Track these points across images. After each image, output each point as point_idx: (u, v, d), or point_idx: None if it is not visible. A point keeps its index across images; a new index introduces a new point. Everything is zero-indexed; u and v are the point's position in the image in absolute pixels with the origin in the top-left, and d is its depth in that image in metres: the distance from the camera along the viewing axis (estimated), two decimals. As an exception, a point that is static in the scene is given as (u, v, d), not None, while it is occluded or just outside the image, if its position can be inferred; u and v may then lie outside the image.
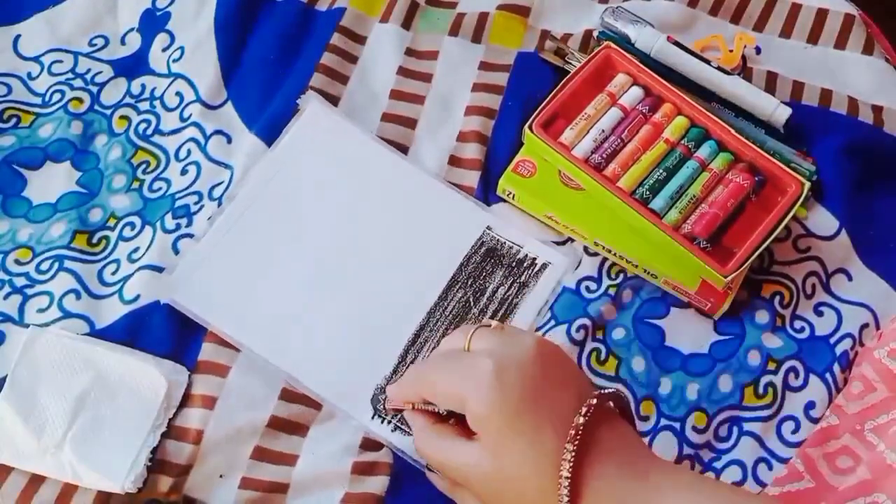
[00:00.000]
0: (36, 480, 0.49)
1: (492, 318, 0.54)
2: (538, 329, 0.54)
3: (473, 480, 0.41)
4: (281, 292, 0.54)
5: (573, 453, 0.38)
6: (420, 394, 0.45)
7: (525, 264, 0.56)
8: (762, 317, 0.55)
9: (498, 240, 0.56)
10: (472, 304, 0.55)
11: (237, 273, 0.54)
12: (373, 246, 0.56)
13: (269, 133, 0.59)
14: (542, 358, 0.41)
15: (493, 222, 0.57)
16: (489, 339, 0.43)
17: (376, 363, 0.53)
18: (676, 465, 0.41)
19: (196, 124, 0.60)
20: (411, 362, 0.53)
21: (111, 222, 0.57)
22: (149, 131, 0.60)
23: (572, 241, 0.57)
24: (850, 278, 0.57)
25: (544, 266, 0.56)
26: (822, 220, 0.58)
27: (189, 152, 0.59)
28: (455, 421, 0.44)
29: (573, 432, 0.38)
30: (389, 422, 0.51)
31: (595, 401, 0.39)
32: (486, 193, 0.58)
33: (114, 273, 0.55)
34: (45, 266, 0.54)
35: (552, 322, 0.54)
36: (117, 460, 0.49)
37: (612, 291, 0.55)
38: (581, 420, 0.38)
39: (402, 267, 0.56)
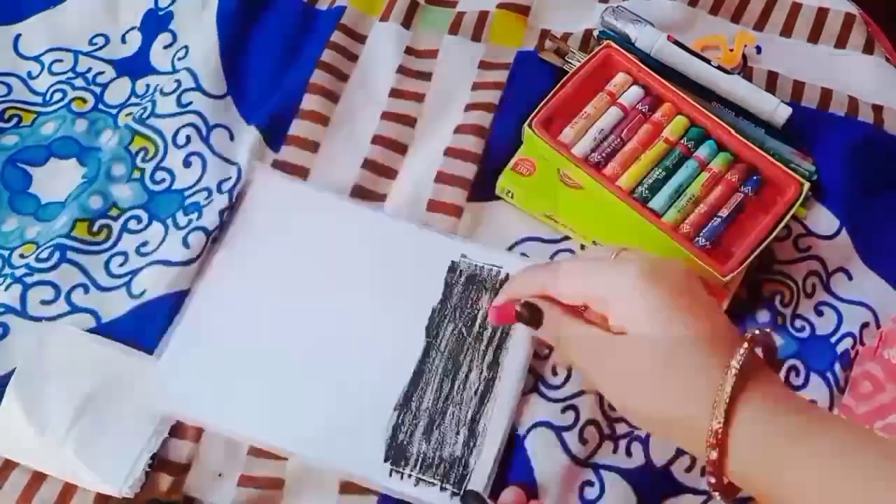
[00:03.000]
0: (37, 479, 0.49)
1: (488, 342, 0.53)
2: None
3: (611, 371, 0.42)
4: (267, 375, 0.52)
5: (735, 376, 0.38)
6: (548, 291, 0.45)
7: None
8: (762, 316, 0.55)
9: (475, 265, 0.55)
10: (465, 333, 0.53)
11: (222, 368, 0.52)
12: (350, 301, 0.54)
13: (270, 127, 0.59)
14: (687, 277, 0.42)
15: (468, 249, 0.56)
16: (636, 254, 0.43)
17: (378, 419, 0.51)
18: (828, 414, 0.41)
19: (197, 112, 0.60)
20: (416, 409, 0.51)
21: (113, 212, 0.57)
22: (145, 115, 0.60)
23: (568, 238, 0.57)
24: (850, 277, 0.57)
25: None
26: (823, 219, 0.58)
27: (188, 139, 0.59)
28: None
29: (742, 349, 0.38)
30: (410, 476, 0.49)
31: (758, 332, 0.40)
32: (482, 189, 0.58)
33: (121, 265, 0.55)
34: (44, 254, 0.54)
35: None
36: (117, 464, 0.49)
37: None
38: (745, 346, 0.39)
39: (384, 316, 0.54)
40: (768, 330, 0.42)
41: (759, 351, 0.41)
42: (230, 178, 0.58)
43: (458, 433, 0.50)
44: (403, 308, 0.54)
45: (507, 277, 0.55)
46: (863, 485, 0.35)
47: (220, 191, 0.57)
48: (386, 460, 0.49)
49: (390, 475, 0.49)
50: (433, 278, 0.55)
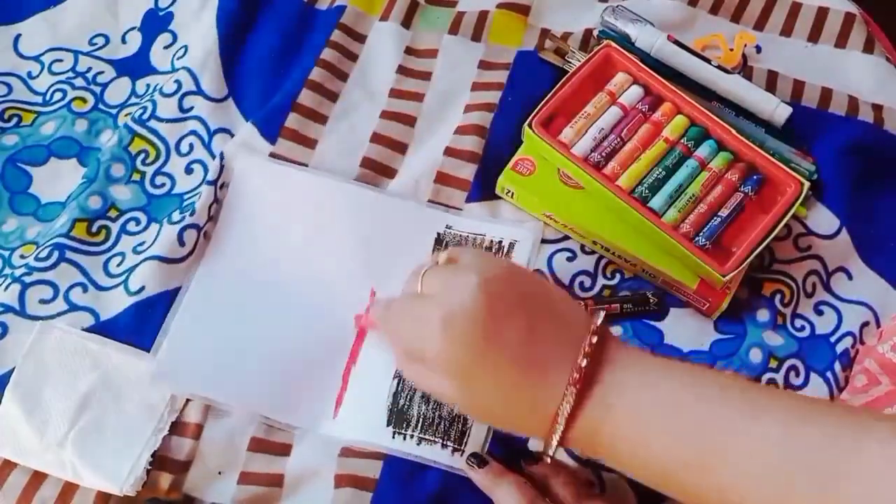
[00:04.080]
0: (37, 479, 0.49)
1: None
2: None
3: (460, 409, 0.45)
4: (268, 353, 0.53)
5: (573, 395, 0.39)
6: (389, 334, 0.46)
7: (493, 250, 0.56)
8: (763, 315, 0.55)
9: (460, 235, 0.57)
10: None
11: (223, 349, 0.53)
12: (340, 276, 0.55)
13: (267, 125, 0.59)
14: (484, 297, 0.41)
15: (452, 220, 0.57)
16: (437, 281, 0.43)
17: (376, 389, 0.52)
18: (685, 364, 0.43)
19: (199, 118, 0.60)
20: None
21: (112, 213, 0.57)
22: (145, 116, 0.60)
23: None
24: (850, 277, 0.57)
25: (511, 246, 0.56)
26: (823, 218, 0.58)
27: (191, 147, 0.59)
28: None
29: (576, 375, 0.39)
30: (412, 436, 0.50)
31: (593, 340, 0.40)
32: (482, 188, 0.58)
33: (119, 265, 0.55)
34: (43, 254, 0.54)
35: None
36: (118, 462, 0.49)
37: (605, 293, 0.55)
38: (583, 363, 0.40)
39: (376, 289, 0.55)
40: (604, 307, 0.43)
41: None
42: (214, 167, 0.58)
43: None
44: (393, 281, 0.54)
45: (490, 244, 0.56)
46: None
47: (206, 182, 0.57)
48: (388, 424, 0.51)
49: (393, 437, 0.50)
50: (421, 250, 0.56)
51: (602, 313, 0.41)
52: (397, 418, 0.51)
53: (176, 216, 0.56)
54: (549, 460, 0.42)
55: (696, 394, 0.39)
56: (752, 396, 0.38)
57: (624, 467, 0.41)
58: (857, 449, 0.34)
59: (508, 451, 0.51)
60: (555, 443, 0.40)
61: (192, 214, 0.55)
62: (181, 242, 0.55)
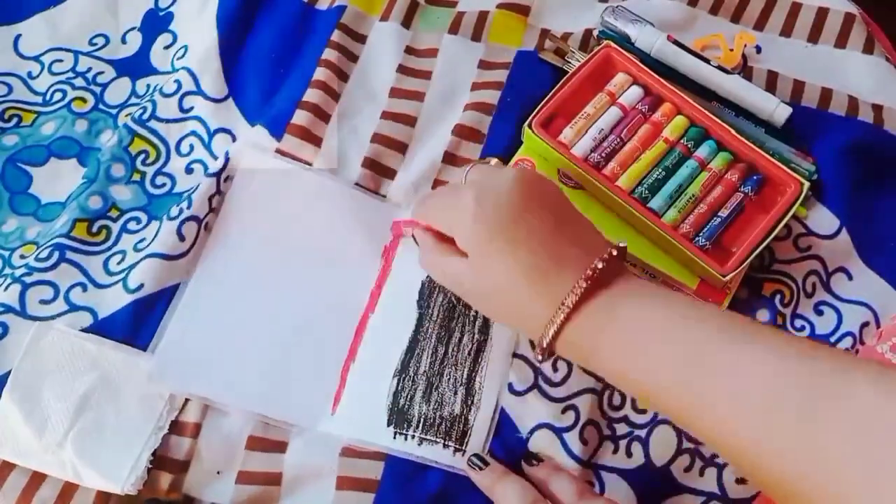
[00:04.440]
0: (37, 479, 0.49)
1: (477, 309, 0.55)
2: None
3: (466, 291, 0.47)
4: (268, 352, 0.53)
5: (582, 288, 0.42)
6: (424, 219, 0.51)
7: None
8: (763, 315, 0.55)
9: None
10: (455, 302, 0.55)
11: (223, 347, 0.53)
12: (340, 277, 0.55)
13: (274, 123, 0.59)
14: (520, 186, 0.45)
15: None
16: (478, 173, 0.48)
17: (376, 387, 0.52)
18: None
19: (199, 119, 0.60)
20: (414, 374, 0.53)
21: (113, 213, 0.57)
22: (145, 116, 0.60)
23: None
24: (850, 277, 0.57)
25: None
26: (823, 219, 0.58)
27: (192, 147, 0.59)
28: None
29: (590, 272, 0.42)
30: (413, 436, 0.51)
31: (612, 252, 0.43)
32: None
33: (119, 263, 0.55)
34: (43, 254, 0.54)
35: None
36: (118, 461, 0.49)
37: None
38: (599, 265, 0.42)
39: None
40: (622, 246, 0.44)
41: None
42: (230, 177, 0.58)
43: (455, 392, 0.52)
44: (394, 282, 0.55)
45: None
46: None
47: (206, 174, 0.57)
48: (389, 425, 0.51)
49: (394, 438, 0.51)
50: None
51: (625, 242, 0.44)
52: (398, 418, 0.51)
53: (174, 211, 0.56)
54: (539, 359, 0.44)
55: (696, 317, 0.40)
56: (748, 327, 0.40)
57: (613, 379, 0.43)
58: (847, 382, 0.35)
59: (509, 452, 0.51)
60: (551, 332, 0.42)
61: (189, 206, 0.55)
62: (181, 237, 0.54)
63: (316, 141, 0.59)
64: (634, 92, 0.58)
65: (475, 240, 0.44)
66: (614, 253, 0.43)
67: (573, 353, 0.44)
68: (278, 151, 0.59)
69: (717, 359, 0.38)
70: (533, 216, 0.44)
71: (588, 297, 0.42)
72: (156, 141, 0.59)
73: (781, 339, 0.38)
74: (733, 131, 0.56)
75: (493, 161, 0.49)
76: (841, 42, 0.66)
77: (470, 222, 0.44)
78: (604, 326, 0.41)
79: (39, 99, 0.62)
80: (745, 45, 0.64)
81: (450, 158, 0.59)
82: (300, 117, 0.59)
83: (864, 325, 0.55)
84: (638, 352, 0.41)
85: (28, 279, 0.53)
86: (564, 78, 0.58)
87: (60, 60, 0.64)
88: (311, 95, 0.60)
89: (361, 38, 0.64)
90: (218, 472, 0.50)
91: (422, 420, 0.51)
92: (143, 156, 0.59)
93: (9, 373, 0.51)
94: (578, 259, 0.43)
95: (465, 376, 0.53)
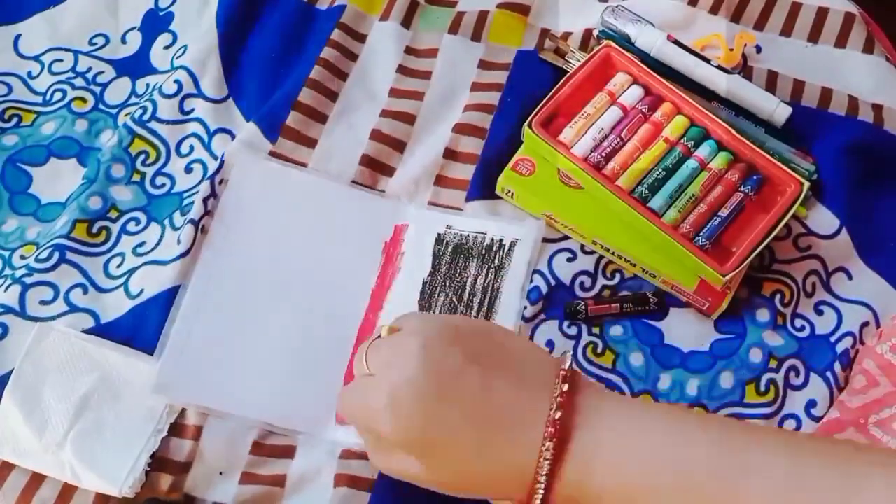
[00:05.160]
0: (36, 479, 0.49)
1: (478, 309, 0.54)
2: (529, 320, 0.54)
3: (430, 487, 0.41)
4: (269, 357, 0.52)
5: (551, 451, 0.37)
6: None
7: (494, 248, 0.56)
8: (763, 315, 0.55)
9: (461, 234, 0.56)
10: (456, 302, 0.54)
11: (225, 355, 0.52)
12: (339, 280, 0.55)
13: (268, 124, 0.59)
14: (427, 360, 0.39)
15: (452, 220, 0.57)
16: (380, 356, 0.41)
17: None
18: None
19: (199, 120, 0.60)
20: None
21: (112, 213, 0.57)
22: (145, 117, 0.60)
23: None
24: (850, 277, 0.57)
25: (513, 244, 0.56)
26: (823, 218, 0.58)
27: (192, 148, 0.59)
28: None
29: (552, 429, 0.37)
30: None
31: (564, 388, 0.38)
32: (482, 188, 0.58)
33: (119, 266, 0.55)
34: (43, 255, 0.54)
35: (543, 315, 0.54)
36: (117, 463, 0.49)
37: (605, 294, 0.55)
38: (556, 416, 0.37)
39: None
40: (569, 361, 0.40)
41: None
42: (226, 179, 0.58)
43: None
44: (395, 282, 0.55)
45: (491, 242, 0.56)
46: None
47: (203, 178, 0.57)
48: None
49: None
50: (422, 251, 0.56)
51: (569, 357, 0.39)
52: None
53: (178, 219, 0.56)
54: None
55: (681, 441, 0.37)
56: (740, 445, 0.36)
57: None
58: (857, 488, 0.33)
59: None
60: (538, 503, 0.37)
61: (188, 210, 0.55)
62: (178, 239, 0.55)
63: (310, 143, 0.59)
64: (634, 92, 0.58)
65: (408, 443, 0.39)
66: (565, 388, 0.38)
67: None
68: (272, 153, 0.58)
69: (713, 492, 0.35)
70: (457, 384, 0.38)
71: (560, 456, 0.37)
72: (156, 141, 0.59)
73: (781, 443, 0.36)
74: (733, 131, 0.56)
75: (384, 331, 0.43)
76: (841, 42, 0.66)
77: (392, 428, 0.38)
78: (587, 480, 0.37)
79: (39, 99, 0.62)
80: (745, 45, 0.64)
81: (451, 154, 0.59)
82: (294, 119, 0.59)
83: (864, 325, 0.55)
84: (629, 498, 0.37)
85: (28, 280, 0.53)
86: (564, 78, 0.58)
87: (60, 60, 0.64)
88: (306, 95, 0.60)
89: (361, 38, 0.64)
90: (221, 473, 0.50)
91: None
92: (143, 156, 0.59)
93: (9, 373, 0.51)
94: (526, 408, 0.38)
95: None
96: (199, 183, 0.58)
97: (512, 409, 0.38)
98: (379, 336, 0.43)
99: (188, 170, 0.59)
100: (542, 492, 0.37)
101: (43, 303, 0.53)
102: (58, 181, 0.59)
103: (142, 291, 0.54)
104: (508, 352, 0.40)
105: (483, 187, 0.58)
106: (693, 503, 0.35)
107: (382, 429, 0.39)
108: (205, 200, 0.56)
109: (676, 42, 0.62)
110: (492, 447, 0.38)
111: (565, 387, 0.38)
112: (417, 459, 0.39)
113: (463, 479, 0.39)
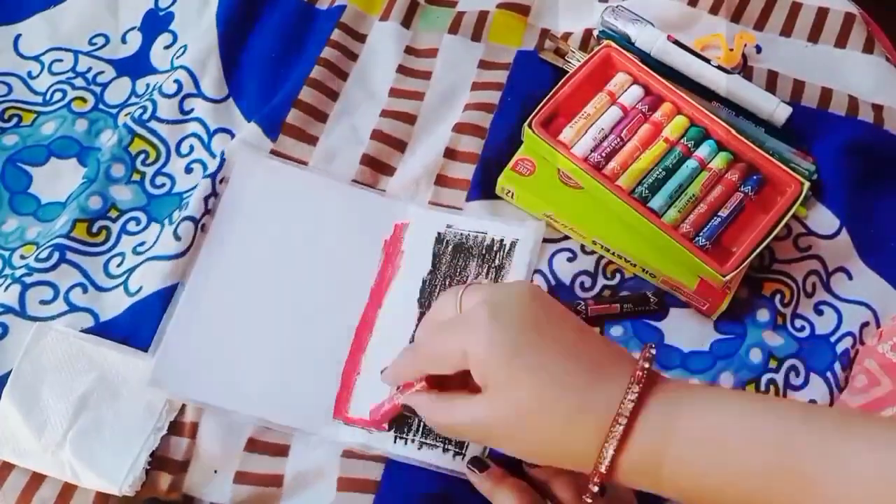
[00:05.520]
0: (36, 479, 0.49)
1: None
2: None
3: (489, 432, 0.40)
4: (267, 355, 0.53)
5: (636, 393, 0.36)
6: (420, 370, 0.44)
7: (494, 248, 0.56)
8: (763, 315, 0.55)
9: (461, 233, 0.56)
10: None
11: (222, 351, 0.52)
12: (339, 278, 0.55)
13: (269, 123, 0.59)
14: (535, 296, 0.40)
15: (452, 220, 0.57)
16: (479, 293, 0.42)
17: (377, 392, 0.51)
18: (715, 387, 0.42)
19: (199, 120, 0.60)
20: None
21: (112, 213, 0.57)
22: (145, 117, 0.60)
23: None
24: (850, 277, 0.57)
25: (513, 244, 0.56)
26: (823, 218, 0.58)
27: (192, 148, 0.59)
28: (456, 389, 0.43)
29: (640, 373, 0.37)
30: (413, 440, 0.50)
31: (651, 352, 0.39)
32: (482, 188, 0.58)
33: (119, 265, 0.55)
34: (43, 255, 0.54)
35: None
36: (117, 462, 0.49)
37: (606, 294, 0.55)
38: (646, 364, 0.38)
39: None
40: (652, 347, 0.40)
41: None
42: (226, 177, 0.58)
43: None
44: (394, 281, 0.55)
45: (492, 242, 0.56)
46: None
47: (202, 176, 0.57)
48: (390, 429, 0.51)
49: (395, 442, 0.50)
50: (422, 250, 0.56)
51: (653, 350, 0.39)
52: (398, 423, 0.51)
53: (176, 216, 0.56)
54: (596, 489, 0.37)
55: (773, 410, 0.36)
56: (836, 416, 0.35)
57: (687, 498, 0.37)
58: None
59: (509, 456, 0.51)
60: (610, 453, 0.36)
61: (186, 208, 0.55)
62: (177, 237, 0.55)
63: (311, 140, 0.59)
64: (634, 92, 0.58)
65: (495, 361, 0.38)
66: (652, 352, 0.38)
67: (636, 475, 0.37)
68: (273, 152, 0.59)
69: (811, 454, 0.34)
70: (555, 328, 0.39)
71: (641, 406, 0.36)
72: (156, 141, 0.59)
73: (873, 427, 0.34)
74: (733, 131, 0.56)
75: (484, 282, 0.45)
76: (841, 42, 0.66)
77: (487, 342, 0.38)
78: (668, 438, 0.36)
79: (39, 99, 0.62)
80: (745, 45, 0.64)
81: (451, 154, 0.59)
82: (295, 117, 0.59)
83: (864, 324, 0.55)
84: (714, 464, 0.35)
85: (28, 279, 0.53)
86: (564, 78, 0.58)
87: (60, 60, 0.64)
88: (307, 94, 0.60)
89: (361, 38, 0.65)
90: (215, 472, 0.50)
91: (422, 424, 0.51)
92: (142, 156, 0.59)
93: (9, 373, 0.51)
94: (613, 366, 0.38)
95: None
96: (199, 183, 0.58)
97: (600, 365, 0.38)
98: (477, 283, 0.44)
99: (188, 170, 0.59)
100: (618, 435, 0.36)
101: (43, 302, 0.53)
102: (58, 181, 0.59)
103: (140, 288, 0.54)
104: (593, 331, 0.42)
105: (483, 187, 0.58)
106: (792, 464, 0.34)
107: (473, 343, 0.39)
108: (205, 199, 0.56)
109: (676, 42, 0.62)
110: (574, 397, 0.37)
111: (650, 352, 0.38)
112: (487, 398, 0.39)
113: (529, 428, 0.38)
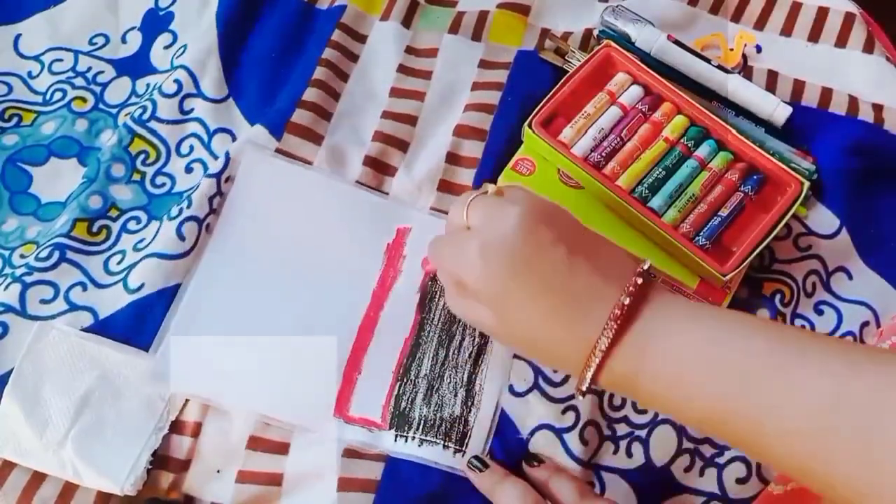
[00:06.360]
0: (37, 478, 0.49)
1: None
2: None
3: (496, 336, 0.47)
4: (269, 353, 0.53)
5: (613, 330, 0.40)
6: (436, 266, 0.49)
7: None
8: (763, 315, 0.55)
9: None
10: None
11: (224, 349, 0.53)
12: (341, 278, 0.55)
13: (274, 123, 0.59)
14: (525, 223, 0.43)
15: None
16: (480, 212, 0.45)
17: (378, 391, 0.52)
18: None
19: (199, 120, 0.60)
20: (415, 377, 0.53)
21: (113, 212, 0.57)
22: (145, 116, 0.60)
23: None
24: (850, 277, 0.57)
25: None
26: (823, 218, 0.58)
27: (192, 148, 0.60)
28: None
29: (618, 311, 0.40)
30: (413, 438, 0.51)
31: (638, 280, 0.41)
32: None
33: (119, 262, 0.55)
34: (43, 254, 0.54)
35: None
36: (118, 461, 0.49)
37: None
38: (639, 280, 0.41)
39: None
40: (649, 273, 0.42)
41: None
42: (231, 176, 0.58)
43: (455, 394, 0.52)
44: (396, 284, 0.56)
45: None
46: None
47: (206, 175, 0.57)
48: (390, 428, 0.51)
49: (395, 440, 0.51)
50: (421, 251, 0.56)
51: (649, 260, 0.43)
52: (399, 421, 0.51)
53: (174, 211, 0.56)
54: (580, 397, 0.42)
55: (740, 334, 0.39)
56: (797, 341, 0.38)
57: (662, 408, 0.42)
58: None
59: (510, 453, 0.51)
60: (589, 376, 0.41)
61: (189, 206, 0.55)
62: (181, 237, 0.54)
63: (316, 139, 0.59)
64: (634, 91, 0.58)
65: (488, 294, 0.43)
66: (639, 281, 0.41)
67: (617, 390, 0.43)
68: (278, 151, 0.59)
69: (765, 384, 0.37)
70: (545, 255, 0.42)
71: (620, 336, 0.40)
72: (156, 141, 0.59)
73: (833, 351, 0.36)
74: (733, 131, 0.56)
75: (491, 189, 0.46)
76: (841, 42, 0.66)
77: (479, 277, 0.42)
78: (642, 362, 0.40)
79: (39, 98, 0.62)
80: (745, 45, 0.64)
81: (453, 158, 0.59)
82: (300, 116, 0.59)
83: (865, 324, 0.55)
84: (681, 383, 0.39)
85: (28, 279, 0.53)
86: (564, 78, 0.58)
87: (60, 60, 0.64)
88: (311, 94, 0.60)
89: (361, 38, 0.64)
90: (218, 471, 0.50)
91: (422, 421, 0.51)
92: (143, 156, 0.59)
93: (9, 372, 0.51)
94: (600, 291, 0.41)
95: (465, 378, 0.53)
96: (199, 183, 0.58)
97: (587, 288, 0.41)
98: (484, 193, 0.47)
99: (188, 170, 0.59)
100: (594, 366, 0.40)
101: (43, 302, 0.53)
102: (58, 181, 0.59)
103: (142, 286, 0.53)
104: (596, 244, 0.44)
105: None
106: (748, 390, 0.37)
107: (468, 278, 0.43)
108: (210, 199, 0.56)
109: (676, 42, 0.62)
110: (560, 317, 0.41)
111: (639, 280, 0.41)
112: (492, 312, 0.43)
113: (528, 340, 0.43)
